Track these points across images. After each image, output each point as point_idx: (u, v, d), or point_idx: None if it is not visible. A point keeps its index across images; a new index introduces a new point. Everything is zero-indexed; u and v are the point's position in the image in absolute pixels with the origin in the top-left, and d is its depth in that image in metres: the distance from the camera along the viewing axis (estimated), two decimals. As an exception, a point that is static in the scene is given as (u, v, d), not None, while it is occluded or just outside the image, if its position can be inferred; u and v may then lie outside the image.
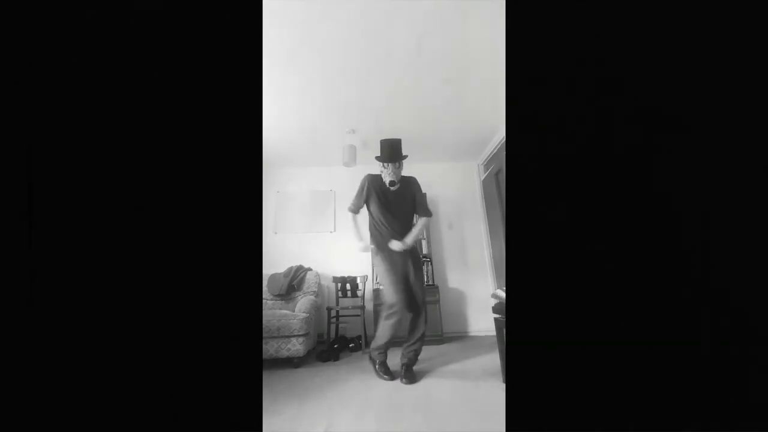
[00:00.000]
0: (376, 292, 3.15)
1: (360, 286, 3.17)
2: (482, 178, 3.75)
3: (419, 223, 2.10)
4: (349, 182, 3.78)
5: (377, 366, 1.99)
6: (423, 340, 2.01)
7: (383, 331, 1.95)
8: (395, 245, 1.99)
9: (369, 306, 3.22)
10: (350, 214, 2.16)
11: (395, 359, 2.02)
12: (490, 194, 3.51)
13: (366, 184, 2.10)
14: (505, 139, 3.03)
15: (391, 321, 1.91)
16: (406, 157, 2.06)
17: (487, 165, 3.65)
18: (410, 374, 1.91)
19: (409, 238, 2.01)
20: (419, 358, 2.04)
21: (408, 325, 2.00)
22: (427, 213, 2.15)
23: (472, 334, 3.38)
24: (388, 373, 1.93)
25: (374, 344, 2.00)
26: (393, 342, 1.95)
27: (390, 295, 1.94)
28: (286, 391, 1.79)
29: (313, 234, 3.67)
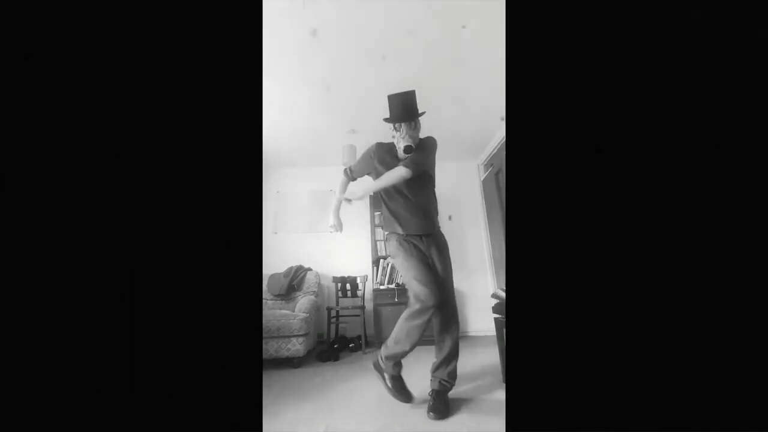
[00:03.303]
0: (377, 292, 3.15)
1: (360, 286, 3.17)
2: (482, 178, 3.75)
3: (393, 170, 1.49)
4: (349, 182, 3.81)
5: (388, 381, 1.49)
6: (458, 354, 1.51)
7: (405, 334, 1.41)
8: (349, 195, 1.59)
9: (369, 306, 3.22)
10: (343, 178, 1.69)
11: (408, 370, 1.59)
12: (490, 194, 3.51)
13: (374, 156, 1.59)
14: (505, 139, 3.03)
15: (418, 321, 1.39)
16: (423, 113, 1.53)
17: (487, 165, 3.64)
18: (441, 405, 1.38)
19: (372, 184, 1.53)
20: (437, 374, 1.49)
21: (437, 332, 1.52)
22: (408, 163, 1.47)
23: (472, 334, 3.38)
24: (403, 393, 1.46)
25: (388, 351, 1.46)
26: (414, 348, 1.45)
27: (416, 288, 1.41)
28: (286, 391, 1.79)
29: (313, 234, 3.67)
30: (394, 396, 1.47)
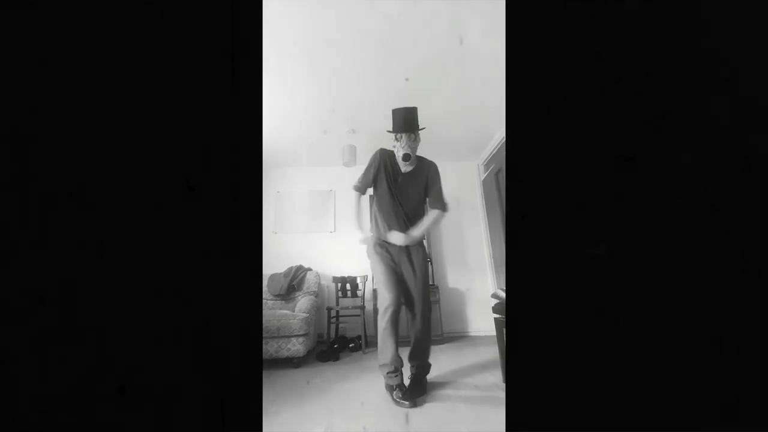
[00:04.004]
0: (376, 292, 3.15)
1: (360, 286, 3.17)
2: (482, 178, 3.75)
3: (430, 215, 1.74)
4: (349, 182, 3.80)
5: (394, 392, 1.54)
6: (423, 353, 1.66)
7: (382, 340, 1.58)
8: (396, 237, 1.64)
9: (369, 306, 3.22)
10: (354, 194, 1.75)
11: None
12: (490, 194, 3.51)
13: (378, 159, 1.73)
14: (505, 139, 3.03)
15: (383, 323, 1.57)
16: (423, 128, 1.72)
17: (487, 165, 3.65)
18: (416, 387, 1.56)
19: (417, 231, 1.67)
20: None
21: (409, 328, 1.69)
22: (441, 205, 1.74)
23: (472, 334, 3.38)
24: (406, 397, 1.49)
25: (380, 362, 1.62)
26: (399, 356, 1.58)
27: (380, 289, 1.64)
28: (286, 391, 1.79)
29: (313, 234, 3.66)
30: (397, 403, 1.50)
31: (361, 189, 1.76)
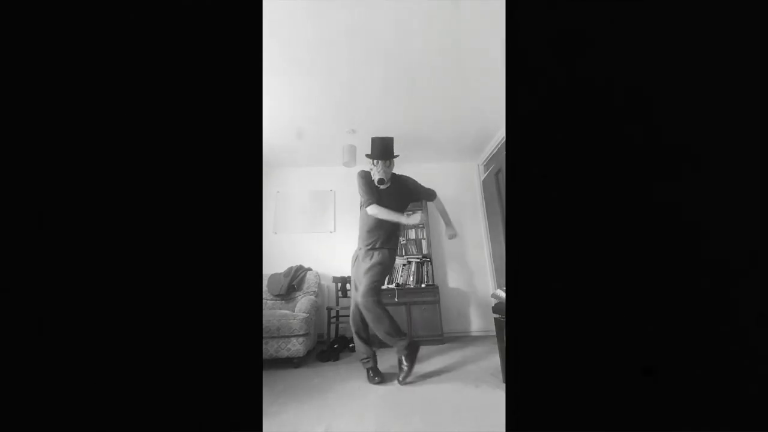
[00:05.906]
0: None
1: (360, 286, 3.16)
2: (482, 178, 3.75)
3: (439, 209, 2.23)
4: (349, 182, 3.81)
5: (369, 373, 1.95)
6: (375, 339, 2.04)
7: (354, 340, 2.06)
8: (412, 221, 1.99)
9: (369, 306, 3.21)
10: (373, 206, 1.95)
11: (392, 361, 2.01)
12: (490, 194, 3.51)
13: (364, 179, 2.04)
14: (505, 139, 3.03)
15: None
16: (397, 156, 2.04)
17: (487, 165, 3.65)
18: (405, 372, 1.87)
19: (450, 226, 2.19)
20: (418, 357, 1.97)
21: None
22: (431, 195, 2.17)
23: (472, 334, 3.38)
24: (378, 375, 1.89)
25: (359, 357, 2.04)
26: (367, 347, 1.99)
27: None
28: (286, 391, 1.79)
29: (313, 234, 3.66)
30: (371, 381, 1.86)
31: (373, 199, 2.01)
